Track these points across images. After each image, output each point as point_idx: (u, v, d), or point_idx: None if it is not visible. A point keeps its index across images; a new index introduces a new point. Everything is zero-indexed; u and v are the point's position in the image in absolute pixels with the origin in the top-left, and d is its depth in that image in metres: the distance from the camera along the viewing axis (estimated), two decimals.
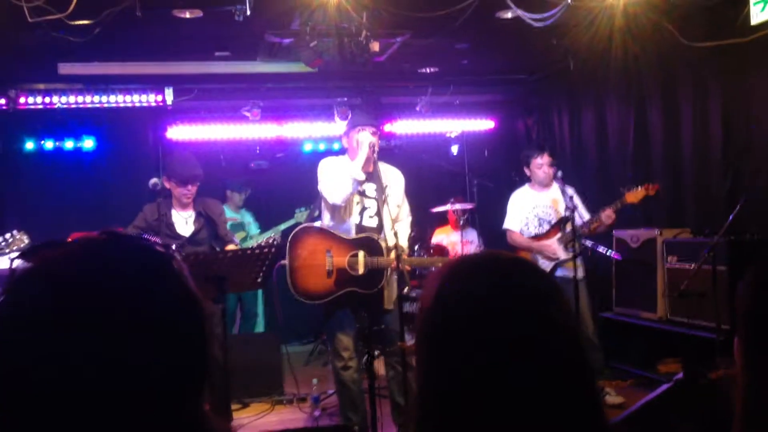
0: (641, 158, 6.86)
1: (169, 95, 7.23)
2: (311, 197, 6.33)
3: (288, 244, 4.89)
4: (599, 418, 1.13)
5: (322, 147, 8.92)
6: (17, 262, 0.98)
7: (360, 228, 4.95)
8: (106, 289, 0.92)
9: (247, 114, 7.87)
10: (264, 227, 8.06)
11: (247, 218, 8.25)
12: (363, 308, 4.85)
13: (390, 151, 8.40)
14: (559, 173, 5.72)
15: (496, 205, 6.68)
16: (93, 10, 4.68)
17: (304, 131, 8.54)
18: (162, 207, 5.29)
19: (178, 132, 8.17)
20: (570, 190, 5.72)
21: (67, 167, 8.09)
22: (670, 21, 5.36)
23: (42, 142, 7.96)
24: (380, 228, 4.94)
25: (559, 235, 5.94)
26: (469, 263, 1.24)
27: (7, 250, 5.25)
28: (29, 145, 7.94)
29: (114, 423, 0.88)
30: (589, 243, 6.13)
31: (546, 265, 5.96)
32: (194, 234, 5.40)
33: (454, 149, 9.56)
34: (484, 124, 9.23)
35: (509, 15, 5.31)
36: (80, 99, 7.06)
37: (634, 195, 5.76)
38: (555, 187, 5.96)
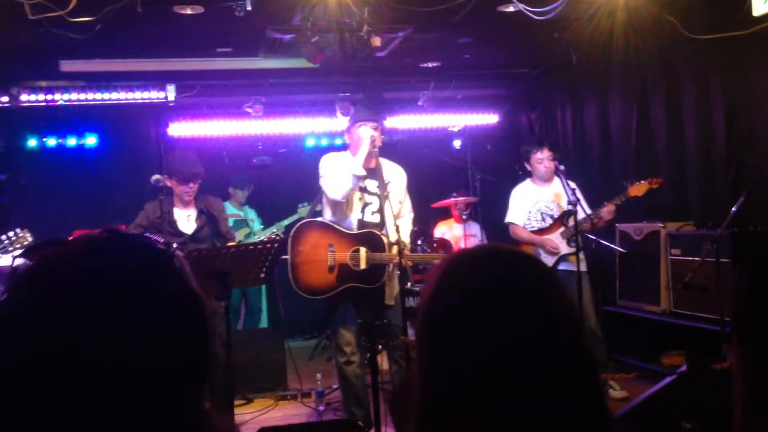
0: (644, 151, 6.85)
1: (171, 92, 7.22)
2: (314, 192, 6.33)
3: (290, 238, 4.90)
4: (602, 413, 1.12)
5: (324, 142, 8.92)
6: (19, 261, 0.98)
7: (362, 224, 4.95)
8: (107, 288, 0.92)
9: (249, 110, 7.87)
10: (267, 223, 8.07)
11: (251, 215, 8.26)
12: (364, 303, 4.87)
13: (392, 146, 8.40)
14: (561, 167, 5.72)
15: (499, 199, 6.68)
16: (94, 7, 4.68)
17: (306, 127, 8.54)
18: (164, 205, 5.30)
19: (181, 128, 8.18)
20: (572, 184, 5.72)
21: (70, 164, 8.10)
22: (671, 13, 5.34)
23: (44, 139, 7.97)
24: (382, 224, 4.94)
25: (561, 229, 5.94)
26: (468, 257, 1.24)
27: (10, 249, 5.25)
28: (32, 143, 7.95)
29: (115, 421, 0.89)
30: (592, 236, 6.14)
31: (549, 259, 5.96)
32: (196, 231, 5.41)
33: (457, 144, 9.55)
34: (486, 119, 9.22)
35: (510, 9, 5.30)
36: (82, 96, 7.06)
37: (638, 189, 5.76)
38: (557, 181, 5.96)
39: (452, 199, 7.82)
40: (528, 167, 6.21)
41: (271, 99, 7.97)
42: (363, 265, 4.81)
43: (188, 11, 5.13)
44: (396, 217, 4.84)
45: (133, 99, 7.20)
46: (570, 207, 5.54)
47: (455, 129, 9.23)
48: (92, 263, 0.95)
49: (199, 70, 6.88)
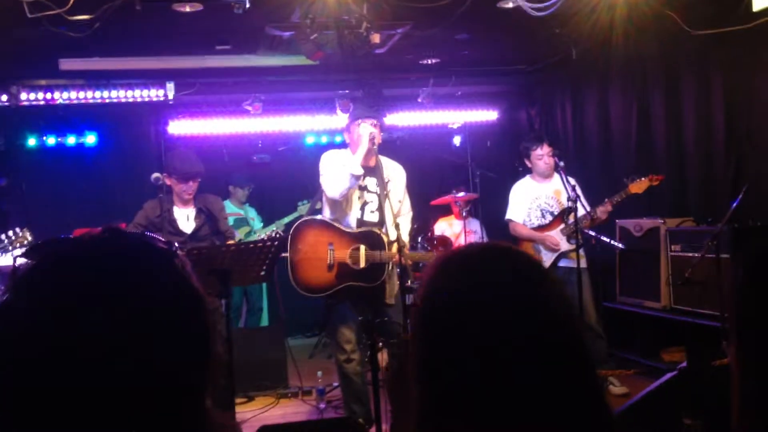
0: (644, 147, 6.84)
1: (170, 90, 7.22)
2: (314, 190, 6.33)
3: (290, 236, 4.89)
4: (601, 409, 1.12)
5: (324, 140, 8.91)
6: (20, 261, 0.98)
7: (361, 222, 4.95)
8: (108, 287, 0.92)
9: (249, 108, 7.86)
10: (267, 221, 8.07)
11: (251, 213, 8.26)
12: (363, 302, 4.87)
13: (392, 143, 8.39)
14: (561, 163, 5.72)
15: (499, 195, 6.68)
16: (92, 5, 4.67)
17: (305, 124, 8.53)
18: (164, 203, 5.30)
19: (180, 127, 8.17)
20: (572, 180, 5.72)
21: (70, 163, 8.09)
22: (671, 8, 5.34)
23: (44, 138, 7.96)
24: (381, 223, 4.94)
25: (561, 226, 5.94)
26: (460, 256, 1.23)
27: (10, 248, 5.25)
28: (31, 142, 7.94)
29: (117, 419, 0.89)
30: (592, 233, 6.14)
31: (549, 255, 5.97)
32: (196, 230, 5.41)
33: (457, 140, 9.54)
34: (486, 115, 9.21)
35: (510, 4, 5.29)
36: (82, 95, 7.06)
37: (638, 186, 5.76)
38: (557, 177, 5.96)
39: (452, 195, 7.82)
40: (528, 164, 6.21)
41: (271, 96, 7.96)
42: (362, 264, 4.81)
43: (187, 9, 5.12)
44: (395, 215, 4.84)
45: (133, 97, 7.19)
46: (570, 204, 5.55)
47: (455, 126, 9.23)
48: (93, 262, 0.96)
49: (198, 68, 6.88)
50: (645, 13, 5.30)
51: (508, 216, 6.28)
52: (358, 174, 4.79)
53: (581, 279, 5.52)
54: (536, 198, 6.15)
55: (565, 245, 5.90)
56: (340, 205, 4.93)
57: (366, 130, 4.85)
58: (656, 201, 6.47)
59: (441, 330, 1.11)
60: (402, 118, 8.75)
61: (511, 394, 1.06)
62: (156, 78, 7.14)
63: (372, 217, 4.98)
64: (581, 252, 5.69)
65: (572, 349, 1.12)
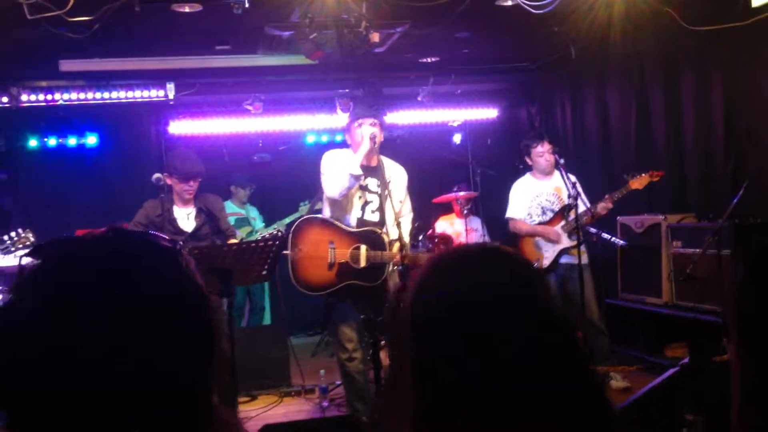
0: (644, 143, 6.84)
1: (170, 90, 7.22)
2: (315, 189, 6.33)
3: (291, 234, 4.90)
4: (601, 409, 1.12)
5: (324, 139, 8.92)
6: (26, 260, 0.98)
7: (361, 222, 4.95)
8: (112, 286, 0.93)
9: (249, 107, 7.86)
10: (269, 221, 8.07)
11: (252, 213, 8.26)
12: (364, 301, 4.87)
13: (392, 141, 8.39)
14: (561, 160, 5.72)
15: (500, 193, 6.69)
16: (92, 6, 4.68)
17: (306, 123, 8.53)
18: (165, 203, 5.31)
19: (181, 127, 8.18)
20: (572, 177, 5.73)
21: (71, 164, 8.09)
22: (669, 5, 5.34)
23: (45, 139, 7.96)
24: (382, 223, 4.93)
25: (562, 222, 5.94)
26: (451, 256, 1.23)
27: (12, 249, 5.26)
28: (32, 143, 7.95)
29: (122, 416, 0.89)
30: (593, 230, 6.14)
31: (550, 252, 5.97)
32: (196, 230, 5.42)
33: (457, 138, 9.55)
34: (486, 113, 9.21)
35: (509, 2, 5.30)
36: (82, 95, 7.07)
37: (639, 182, 5.77)
38: (557, 174, 5.96)
39: (453, 194, 7.83)
40: (528, 161, 6.21)
41: (271, 96, 7.97)
42: (363, 263, 4.81)
43: (186, 9, 5.12)
44: (396, 216, 4.83)
45: (133, 98, 7.20)
46: (570, 201, 5.55)
47: (455, 124, 9.23)
48: (98, 262, 0.96)
49: (198, 68, 6.88)
50: (643, 11, 5.31)
51: (508, 214, 6.28)
52: (358, 174, 4.78)
53: (582, 275, 5.53)
54: (537, 196, 6.16)
55: (566, 242, 5.90)
56: (340, 204, 4.93)
57: (367, 130, 4.85)
58: (657, 197, 6.47)
59: (439, 329, 1.11)
60: (402, 117, 8.75)
61: (510, 395, 1.06)
62: (156, 78, 7.15)
63: (373, 216, 4.98)
64: (582, 248, 5.70)
65: (571, 349, 1.12)
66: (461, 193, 7.79)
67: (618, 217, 6.49)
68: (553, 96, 8.54)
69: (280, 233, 6.82)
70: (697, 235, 5.65)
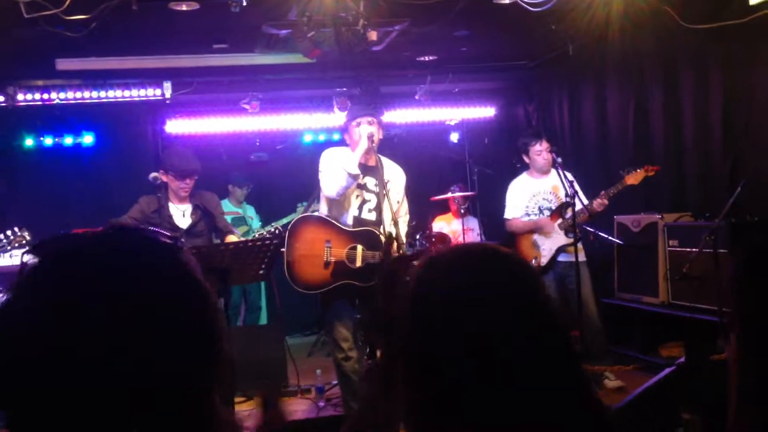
0: (641, 142, 6.85)
1: (167, 89, 7.21)
2: (312, 189, 6.33)
3: (287, 232, 4.90)
4: (597, 408, 1.12)
5: (321, 138, 8.91)
6: (27, 258, 0.97)
7: (358, 221, 4.94)
8: (114, 283, 0.92)
9: (246, 106, 7.85)
10: (266, 220, 8.06)
11: (249, 212, 8.26)
12: (360, 300, 4.87)
13: (390, 140, 8.39)
14: (559, 159, 5.72)
15: (497, 192, 6.68)
16: (89, 5, 4.67)
17: (303, 122, 8.53)
18: (161, 199, 5.32)
19: (178, 126, 8.17)
20: (569, 176, 5.73)
21: (67, 163, 8.08)
22: (668, 4, 5.34)
23: (41, 138, 7.95)
24: (379, 222, 4.93)
25: (559, 220, 5.94)
26: (453, 256, 1.23)
27: (9, 248, 5.26)
28: (28, 142, 7.94)
29: (123, 416, 0.89)
30: (590, 229, 6.15)
31: (548, 250, 5.97)
32: (192, 226, 5.42)
33: (454, 137, 9.55)
34: (483, 112, 9.21)
35: (507, 0, 5.29)
36: (78, 94, 7.06)
37: (634, 177, 5.77)
38: (554, 173, 5.96)
39: (450, 194, 7.83)
40: (526, 160, 6.21)
41: (268, 95, 7.96)
42: (359, 263, 4.81)
43: (183, 8, 5.11)
44: (393, 215, 4.83)
45: (130, 97, 7.19)
46: (568, 199, 5.55)
47: (452, 123, 9.23)
48: (99, 259, 0.95)
49: (195, 67, 6.87)
50: (642, 9, 5.31)
51: (505, 216, 6.29)
52: (355, 174, 4.78)
53: (579, 272, 5.53)
54: (534, 195, 6.15)
55: (563, 239, 5.90)
56: (338, 203, 4.92)
57: (365, 129, 4.85)
58: (654, 196, 6.47)
59: (437, 326, 1.11)
60: (399, 116, 8.75)
61: (507, 393, 1.06)
62: (153, 77, 7.14)
63: (370, 216, 4.97)
64: (579, 245, 5.70)
65: (568, 349, 1.12)
66: (458, 193, 7.80)
67: (615, 216, 6.49)
68: (551, 94, 8.54)
69: (277, 231, 6.81)
70: (693, 234, 5.65)
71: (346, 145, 5.08)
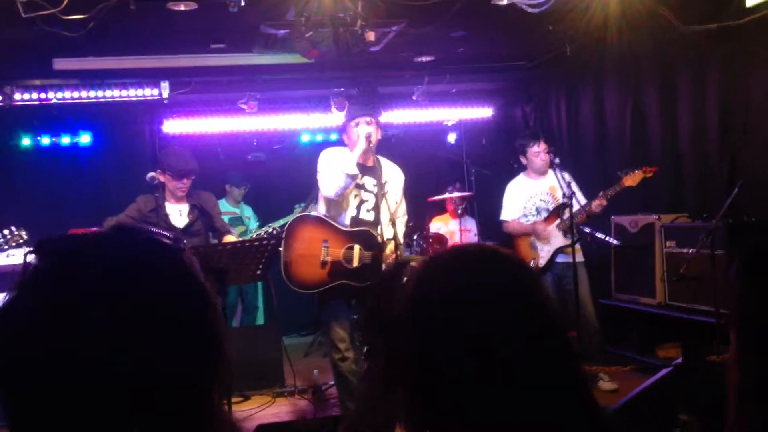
0: (639, 143, 6.86)
1: (165, 89, 7.21)
2: (309, 189, 6.32)
3: (285, 232, 4.90)
4: (594, 409, 1.12)
5: (319, 138, 8.92)
6: (30, 257, 0.97)
7: (356, 221, 4.94)
8: (116, 284, 0.92)
9: (244, 106, 7.85)
10: (263, 220, 8.06)
11: (247, 212, 8.25)
12: (357, 300, 4.87)
13: (387, 140, 8.39)
14: (557, 160, 5.73)
15: (495, 193, 6.68)
16: (87, 5, 4.67)
17: (300, 122, 8.53)
18: (158, 199, 5.32)
19: (175, 126, 8.16)
20: (567, 176, 5.73)
21: (64, 163, 8.08)
22: (665, 5, 5.35)
23: (38, 138, 7.95)
24: (377, 222, 4.92)
25: (557, 221, 5.95)
26: (453, 257, 1.23)
27: (6, 247, 5.25)
28: (26, 142, 7.93)
29: (124, 416, 0.89)
30: (587, 229, 6.15)
31: (546, 251, 5.97)
32: (189, 225, 5.42)
33: (452, 138, 9.55)
34: (481, 112, 9.22)
35: (504, 1, 5.29)
36: (76, 94, 7.04)
37: (632, 178, 5.78)
38: (551, 174, 5.96)
39: (448, 194, 7.84)
40: (524, 161, 6.21)
41: (266, 95, 7.96)
42: (356, 263, 4.81)
43: (182, 7, 5.11)
44: (391, 216, 4.83)
45: (127, 96, 7.18)
46: (565, 199, 5.56)
47: (450, 123, 9.24)
48: (103, 259, 0.95)
49: (193, 67, 6.87)
50: (639, 10, 5.31)
51: (502, 217, 6.28)
52: (354, 174, 4.78)
53: (577, 273, 5.54)
54: (531, 196, 6.15)
55: (561, 240, 5.91)
56: (335, 202, 4.92)
57: (363, 129, 4.85)
58: (651, 197, 6.48)
59: (437, 326, 1.11)
60: (397, 116, 8.76)
61: (507, 393, 1.06)
62: (150, 77, 7.13)
63: (368, 215, 4.97)
64: (577, 246, 5.70)
65: (567, 349, 1.13)
66: (456, 193, 7.80)
67: (612, 217, 6.50)
68: (549, 95, 8.55)
69: (275, 231, 6.81)
70: (690, 235, 5.66)
71: (345, 145, 5.08)
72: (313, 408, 5.70)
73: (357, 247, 4.81)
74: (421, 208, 7.58)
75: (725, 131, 5.79)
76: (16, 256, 5.41)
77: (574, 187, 5.76)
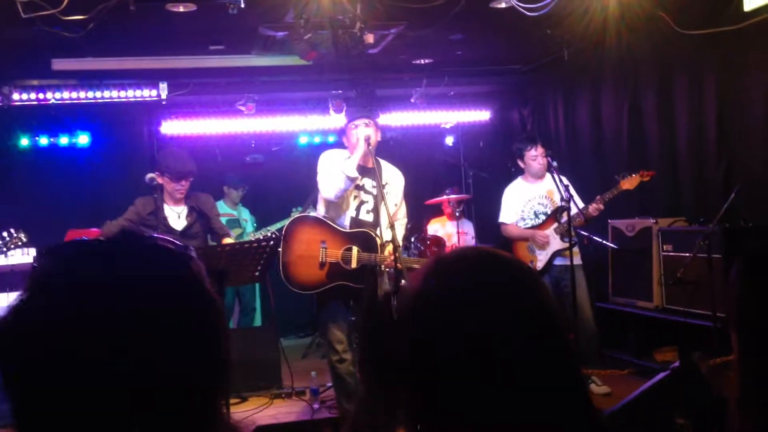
0: (636, 147, 6.87)
1: (163, 90, 7.21)
2: (307, 191, 6.33)
3: (283, 232, 4.90)
4: (592, 410, 1.13)
5: (317, 140, 8.92)
6: (39, 262, 0.98)
7: (355, 222, 4.94)
8: (125, 290, 0.93)
9: (242, 108, 7.85)
10: (261, 222, 8.05)
11: (244, 214, 8.24)
12: (355, 301, 4.87)
13: (385, 143, 8.40)
14: (554, 163, 5.74)
15: (492, 195, 6.70)
16: (86, 5, 4.67)
17: (299, 124, 8.53)
18: (157, 201, 5.31)
19: (173, 127, 8.16)
20: (564, 180, 5.74)
21: (62, 163, 8.07)
22: (664, 9, 5.36)
23: (36, 138, 7.94)
24: (376, 224, 4.93)
25: (555, 225, 5.96)
26: (455, 259, 1.24)
27: (5, 249, 5.25)
28: (24, 142, 7.92)
29: (130, 416, 0.89)
30: (584, 233, 6.16)
31: (543, 255, 5.98)
32: (187, 228, 5.42)
33: (449, 140, 9.56)
34: (479, 115, 9.23)
35: (503, 5, 5.31)
36: (74, 95, 7.04)
37: (629, 182, 5.79)
38: (549, 177, 5.97)
39: (445, 196, 7.84)
40: (521, 164, 6.22)
41: (264, 97, 7.96)
42: (354, 265, 4.81)
43: (181, 9, 5.11)
44: (391, 219, 4.83)
45: (126, 97, 7.18)
46: (563, 203, 5.57)
47: (447, 126, 9.25)
48: (111, 265, 0.96)
49: (191, 68, 6.87)
50: (637, 15, 5.33)
51: (500, 219, 6.29)
52: (353, 176, 4.78)
53: (575, 276, 5.54)
54: (529, 200, 6.16)
55: (558, 244, 5.92)
56: (335, 203, 4.92)
57: (362, 132, 4.85)
58: (648, 201, 6.49)
59: (438, 327, 1.12)
60: (395, 119, 8.76)
61: (509, 394, 1.07)
62: (149, 78, 7.13)
63: (367, 217, 4.98)
64: (575, 249, 5.71)
65: (567, 350, 1.13)
66: (453, 195, 7.81)
67: (609, 220, 6.51)
68: (546, 98, 8.56)
69: (273, 234, 6.81)
70: (687, 238, 5.67)
71: (344, 146, 5.08)
72: (310, 409, 5.71)
73: (355, 249, 4.82)
74: (418, 211, 7.59)
75: (722, 135, 5.80)
76: (16, 258, 5.41)
77: (571, 190, 5.77)
